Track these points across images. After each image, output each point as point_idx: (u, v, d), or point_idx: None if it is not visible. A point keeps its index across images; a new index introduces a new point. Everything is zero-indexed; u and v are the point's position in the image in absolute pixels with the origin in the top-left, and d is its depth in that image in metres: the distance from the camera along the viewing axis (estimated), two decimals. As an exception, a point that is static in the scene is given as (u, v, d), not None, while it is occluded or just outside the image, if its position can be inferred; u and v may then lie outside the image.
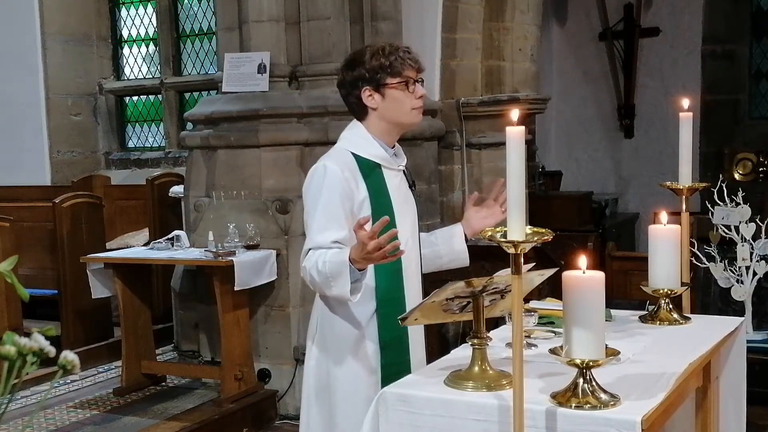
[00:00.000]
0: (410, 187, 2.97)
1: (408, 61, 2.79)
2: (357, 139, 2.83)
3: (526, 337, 2.42)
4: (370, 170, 2.79)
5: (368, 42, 5.50)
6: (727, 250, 4.75)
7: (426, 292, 2.73)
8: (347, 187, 2.73)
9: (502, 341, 2.48)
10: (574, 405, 1.97)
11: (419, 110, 2.84)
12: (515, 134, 1.93)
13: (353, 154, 2.79)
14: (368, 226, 2.50)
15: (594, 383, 1.98)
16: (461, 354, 2.40)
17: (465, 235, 3.00)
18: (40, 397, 5.23)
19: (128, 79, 8.81)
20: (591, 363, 1.95)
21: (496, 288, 2.27)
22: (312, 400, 2.87)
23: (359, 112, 2.84)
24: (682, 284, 2.78)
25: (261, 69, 5.34)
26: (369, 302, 2.77)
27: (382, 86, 2.77)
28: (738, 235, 4.59)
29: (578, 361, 1.96)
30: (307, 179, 2.80)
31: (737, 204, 4.63)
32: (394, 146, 2.89)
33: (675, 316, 2.75)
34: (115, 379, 5.71)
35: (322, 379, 2.83)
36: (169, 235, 5.48)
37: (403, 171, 2.94)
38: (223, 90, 5.52)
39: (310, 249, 2.71)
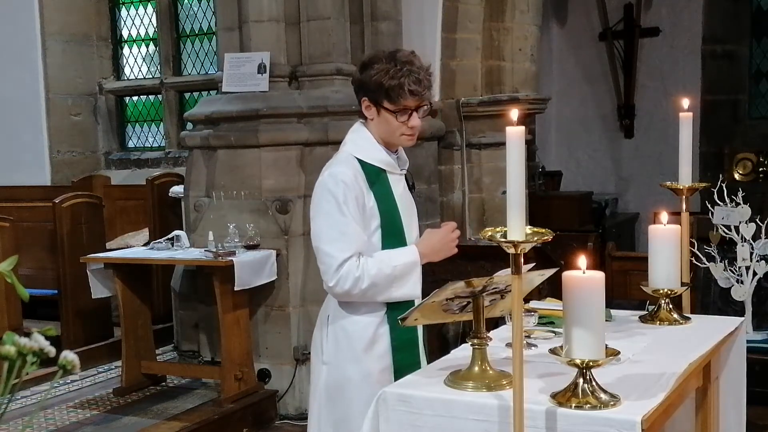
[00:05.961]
0: (410, 189, 2.97)
1: (409, 93, 2.70)
2: (362, 142, 2.83)
3: (526, 337, 2.42)
4: (375, 177, 2.80)
5: (368, 42, 5.51)
6: (727, 250, 4.75)
7: (427, 293, 2.74)
8: (360, 192, 2.74)
9: (502, 341, 2.48)
10: (574, 405, 1.97)
11: (411, 137, 2.81)
12: (515, 134, 1.93)
13: (359, 160, 2.79)
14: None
15: (594, 383, 1.98)
16: (461, 354, 2.41)
17: None
18: (40, 397, 5.23)
19: (128, 79, 8.81)
20: (591, 363, 1.95)
21: (496, 288, 2.27)
22: (323, 400, 2.87)
23: (363, 114, 2.85)
24: (682, 284, 2.78)
25: (261, 69, 5.33)
26: (381, 304, 2.79)
27: (379, 104, 2.76)
28: (738, 235, 4.59)
29: (578, 361, 1.96)
30: (320, 188, 2.77)
31: (737, 204, 4.63)
32: (396, 150, 2.89)
33: (675, 316, 2.75)
34: (115, 379, 5.71)
35: (335, 380, 2.84)
36: (169, 235, 5.48)
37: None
38: (223, 90, 5.52)
39: (344, 261, 2.69)
